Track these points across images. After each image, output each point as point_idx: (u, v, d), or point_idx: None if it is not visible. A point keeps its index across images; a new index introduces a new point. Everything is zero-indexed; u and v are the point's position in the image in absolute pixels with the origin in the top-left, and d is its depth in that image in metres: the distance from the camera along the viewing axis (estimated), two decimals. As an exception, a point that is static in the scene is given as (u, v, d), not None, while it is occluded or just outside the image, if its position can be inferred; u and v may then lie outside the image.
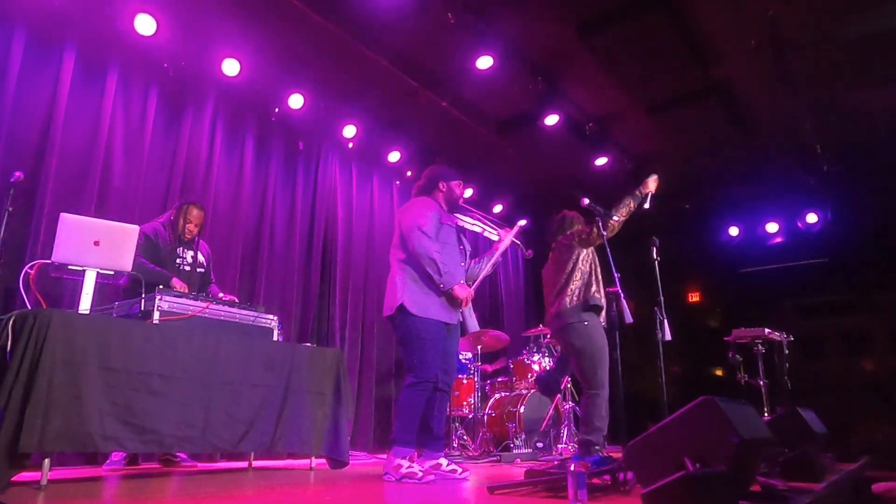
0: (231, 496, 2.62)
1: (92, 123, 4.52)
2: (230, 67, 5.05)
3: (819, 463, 2.86)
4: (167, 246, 3.99)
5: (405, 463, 3.19)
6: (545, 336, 6.10)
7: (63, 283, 3.74)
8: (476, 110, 6.17)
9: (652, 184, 3.91)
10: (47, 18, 4.31)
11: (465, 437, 5.56)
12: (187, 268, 4.07)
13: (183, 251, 4.07)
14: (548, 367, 5.81)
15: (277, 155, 5.88)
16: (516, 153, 6.86)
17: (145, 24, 4.53)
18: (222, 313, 3.46)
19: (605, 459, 3.02)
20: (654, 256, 4.00)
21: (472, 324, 3.61)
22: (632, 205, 3.86)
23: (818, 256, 7.60)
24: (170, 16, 4.65)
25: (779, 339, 5.58)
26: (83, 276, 3.04)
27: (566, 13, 4.87)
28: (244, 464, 4.15)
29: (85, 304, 3.00)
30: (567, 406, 5.72)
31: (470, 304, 3.63)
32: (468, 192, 6.24)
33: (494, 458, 4.82)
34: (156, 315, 3.14)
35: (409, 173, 7.08)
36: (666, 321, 3.79)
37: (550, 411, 5.45)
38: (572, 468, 2.22)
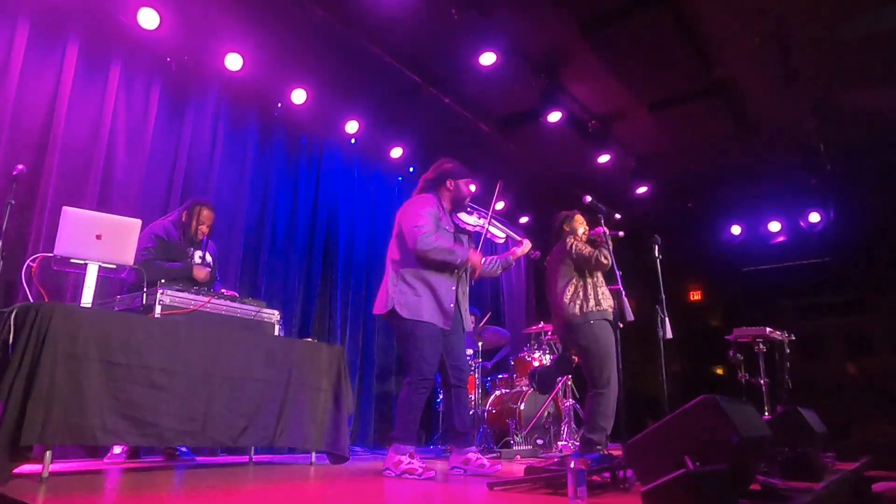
0: (232, 490, 2.63)
1: (94, 117, 4.52)
2: (233, 62, 5.04)
3: (819, 462, 2.86)
4: (179, 246, 4.01)
5: (405, 459, 3.20)
6: (546, 333, 6.10)
7: (65, 277, 3.75)
8: (479, 107, 6.16)
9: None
10: (50, 12, 4.31)
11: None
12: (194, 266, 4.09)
13: (192, 251, 4.10)
14: (541, 365, 5.81)
15: (280, 150, 5.88)
16: (518, 150, 6.86)
17: (148, 18, 4.52)
18: (224, 308, 3.47)
19: (605, 457, 3.02)
20: (656, 255, 4.00)
21: (467, 322, 3.59)
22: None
23: (820, 256, 7.60)
24: (173, 10, 4.65)
25: (780, 338, 5.58)
26: (85, 269, 3.05)
27: (569, 10, 4.86)
28: (244, 458, 4.16)
29: (87, 298, 3.01)
30: (567, 403, 5.72)
31: (466, 304, 3.60)
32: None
33: (494, 455, 4.83)
34: (157, 309, 3.14)
35: (411, 169, 7.08)
36: (667, 319, 3.80)
37: (546, 406, 5.44)
38: (572, 465, 2.22)
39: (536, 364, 5.79)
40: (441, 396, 5.59)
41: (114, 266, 3.15)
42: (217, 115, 5.36)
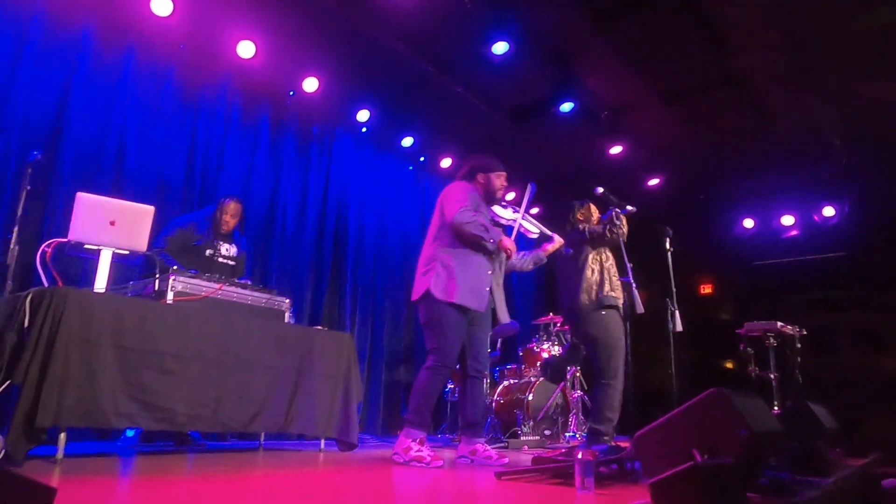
0: (242, 475, 2.66)
1: (108, 104, 4.55)
2: (245, 49, 5.05)
3: (828, 457, 2.85)
4: (202, 238, 4.10)
5: (415, 446, 3.23)
6: (555, 324, 6.10)
7: (79, 262, 3.79)
8: (490, 97, 6.13)
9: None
10: (64, -1, 4.33)
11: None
12: (220, 259, 4.18)
13: (219, 243, 4.19)
14: (552, 355, 5.82)
15: (291, 138, 5.89)
16: (530, 140, 6.82)
17: (161, 6, 4.53)
18: (235, 295, 3.50)
19: (612, 449, 3.03)
20: (667, 247, 3.98)
21: (503, 315, 3.61)
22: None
23: (834, 251, 7.51)
24: (186, -3, 4.65)
25: (791, 332, 5.54)
26: (99, 255, 3.08)
27: (583, 0, 4.81)
28: (255, 444, 4.20)
29: (100, 283, 3.04)
30: (575, 395, 5.73)
31: (502, 295, 3.62)
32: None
33: (502, 445, 4.85)
34: (170, 295, 3.18)
35: (422, 159, 7.07)
36: (677, 312, 3.78)
37: (555, 397, 5.45)
38: (580, 456, 2.23)
39: (545, 355, 5.79)
40: (450, 386, 5.61)
41: (127, 252, 3.18)
42: (229, 103, 5.38)
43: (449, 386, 5.63)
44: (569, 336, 6.06)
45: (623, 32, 5.07)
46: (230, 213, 4.22)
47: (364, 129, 6.38)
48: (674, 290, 3.80)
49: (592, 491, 2.16)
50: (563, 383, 5.53)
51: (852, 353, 7.40)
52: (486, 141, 6.69)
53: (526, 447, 4.86)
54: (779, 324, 5.43)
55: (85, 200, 3.09)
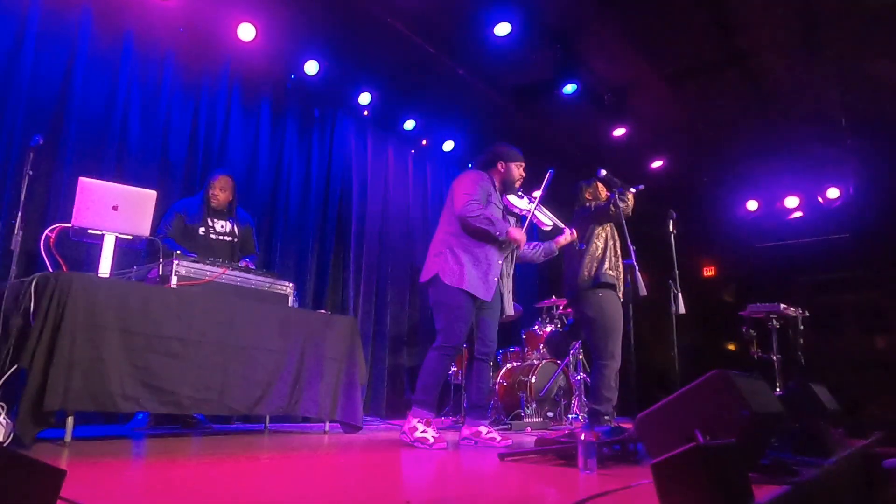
0: (249, 457, 2.69)
1: (109, 88, 4.53)
2: (246, 32, 5.00)
3: (830, 438, 2.87)
4: (194, 217, 4.08)
5: (420, 427, 3.26)
6: (557, 307, 6.12)
7: (83, 247, 3.80)
8: (493, 78, 6.08)
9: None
10: (63, -19, 4.29)
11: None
12: (213, 236, 4.14)
13: (214, 220, 4.15)
14: (557, 328, 5.85)
15: (293, 122, 5.86)
16: (533, 122, 6.78)
17: (161, -12, 4.49)
18: (239, 279, 3.51)
19: (615, 430, 3.04)
20: (671, 229, 3.98)
21: (509, 306, 3.62)
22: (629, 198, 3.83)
23: (838, 232, 7.49)
24: (185, -21, 4.61)
25: (794, 314, 5.55)
26: (102, 240, 3.08)
27: (587, -21, 4.76)
28: (260, 426, 4.24)
29: (104, 268, 3.05)
30: (578, 377, 5.76)
31: (510, 286, 3.64)
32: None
33: (505, 427, 4.89)
34: (173, 280, 3.19)
35: (424, 142, 7.03)
36: (680, 295, 3.79)
37: (556, 377, 5.48)
38: (583, 437, 2.24)
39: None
40: (453, 369, 5.64)
41: (130, 237, 3.19)
42: (230, 87, 5.34)
43: (452, 369, 5.65)
44: (571, 318, 6.08)
45: (626, 12, 5.01)
46: (219, 187, 4.17)
47: (366, 112, 6.34)
48: (676, 272, 3.80)
49: (595, 472, 2.18)
50: (566, 360, 5.55)
51: (854, 334, 7.42)
52: (489, 123, 6.66)
53: (529, 429, 4.90)
54: (781, 306, 5.43)
55: (87, 185, 3.09)
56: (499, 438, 3.40)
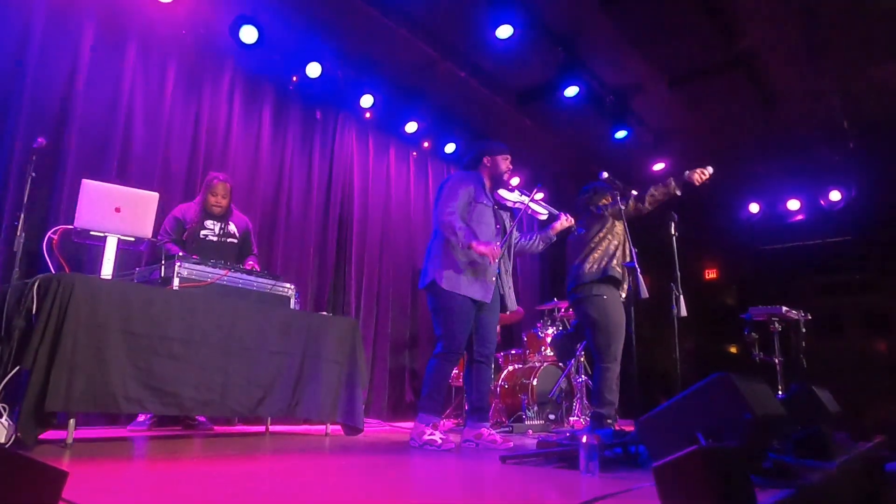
0: (250, 458, 2.69)
1: (112, 91, 4.54)
2: (248, 35, 5.01)
3: (832, 441, 2.86)
4: (193, 222, 4.09)
5: (428, 430, 3.29)
6: (559, 310, 6.11)
7: (85, 249, 3.81)
8: (495, 81, 6.09)
9: (697, 177, 3.87)
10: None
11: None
12: (214, 238, 4.15)
13: (212, 223, 4.15)
14: (562, 330, 5.84)
15: (295, 124, 5.87)
16: (535, 125, 6.78)
17: (164, -10, 4.50)
18: (241, 281, 3.51)
19: (617, 433, 3.04)
20: (672, 232, 3.97)
21: (511, 302, 3.62)
22: (672, 186, 3.85)
23: (840, 235, 7.48)
24: (188, -19, 4.62)
25: (796, 317, 5.53)
26: (105, 241, 3.09)
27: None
28: (261, 428, 4.24)
29: (107, 270, 3.06)
30: (580, 379, 5.75)
31: (510, 282, 3.64)
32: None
33: (507, 429, 4.88)
34: (175, 281, 3.19)
35: (426, 144, 7.04)
36: (682, 297, 3.78)
37: (561, 381, 5.47)
38: (584, 440, 2.24)
39: (549, 340, 5.81)
40: (454, 372, 5.64)
41: (132, 239, 3.19)
42: (232, 89, 5.36)
43: (455, 371, 5.65)
44: (572, 320, 6.07)
45: (628, 15, 5.02)
46: (221, 194, 4.18)
47: (368, 115, 6.35)
48: (678, 274, 3.79)
49: (597, 475, 2.18)
50: (569, 366, 5.54)
51: (857, 337, 7.40)
52: (491, 126, 6.67)
53: (530, 431, 4.89)
54: (783, 308, 5.42)
55: (90, 187, 3.10)
56: (500, 440, 3.40)
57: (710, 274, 8.59)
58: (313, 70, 5.53)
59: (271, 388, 3.41)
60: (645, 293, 3.69)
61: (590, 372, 5.87)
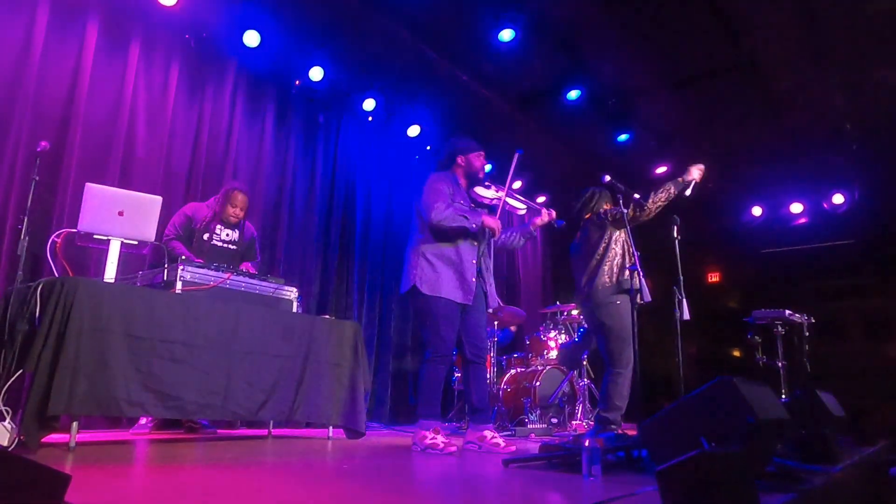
0: (252, 462, 2.69)
1: (115, 95, 4.55)
2: (251, 39, 5.04)
3: (836, 445, 2.85)
4: (202, 223, 4.10)
5: (429, 434, 3.28)
6: (562, 313, 6.11)
7: (88, 252, 3.82)
8: (497, 84, 6.10)
9: (696, 172, 3.87)
10: (70, -12, 4.33)
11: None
12: (218, 243, 4.15)
13: (220, 228, 4.17)
14: (568, 339, 5.83)
15: (297, 128, 5.89)
16: (537, 128, 6.78)
17: (167, -5, 4.52)
18: (243, 284, 3.51)
19: (620, 437, 3.04)
20: (675, 235, 3.96)
21: (493, 300, 3.61)
22: (672, 190, 3.85)
23: (843, 238, 7.45)
24: (191, -14, 4.64)
25: (799, 320, 5.52)
26: (108, 245, 3.10)
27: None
28: (263, 432, 4.24)
29: (110, 273, 3.06)
30: (582, 383, 5.74)
31: (491, 279, 3.64)
32: (487, 167, 6.18)
33: (509, 433, 4.87)
34: (178, 285, 3.19)
35: (428, 147, 7.05)
36: (684, 301, 3.77)
37: (563, 385, 5.46)
38: (587, 444, 2.24)
39: (552, 344, 5.80)
40: (457, 374, 5.63)
41: (135, 242, 3.20)
42: (235, 93, 5.37)
43: (456, 375, 5.65)
44: (576, 325, 6.06)
45: (631, 17, 5.02)
46: (240, 206, 4.19)
47: (370, 118, 6.36)
48: (681, 278, 3.78)
49: (599, 478, 2.17)
50: (572, 372, 5.54)
51: (861, 340, 7.37)
52: (493, 129, 6.67)
53: (533, 435, 4.88)
54: (787, 312, 5.41)
55: (94, 191, 3.11)
56: (502, 444, 3.39)
57: (713, 277, 8.57)
58: (316, 73, 5.55)
59: (273, 392, 3.41)
60: (648, 297, 3.69)
61: (592, 376, 5.87)
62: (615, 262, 3.86)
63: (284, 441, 3.81)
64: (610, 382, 3.76)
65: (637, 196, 3.80)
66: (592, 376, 5.88)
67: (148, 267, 3.73)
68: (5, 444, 2.46)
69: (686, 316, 3.78)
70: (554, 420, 5.38)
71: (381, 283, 6.41)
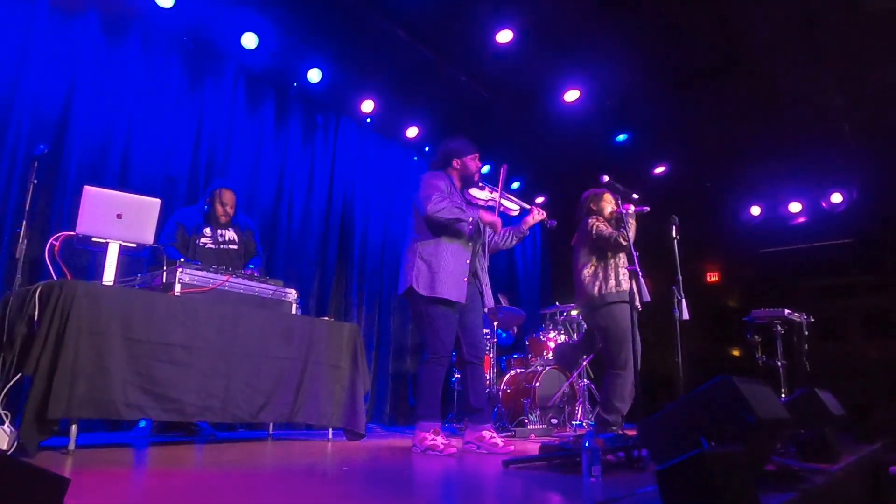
0: (252, 465, 2.68)
1: (114, 97, 4.55)
2: (249, 41, 5.04)
3: (835, 444, 2.85)
4: (196, 228, 4.10)
5: (429, 436, 3.29)
6: (561, 313, 6.11)
7: (87, 256, 3.81)
8: (495, 85, 6.10)
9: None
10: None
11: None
12: (213, 246, 4.15)
13: (210, 231, 4.15)
14: (567, 340, 5.83)
15: (296, 129, 5.88)
16: (535, 129, 6.79)
17: (164, -3, 4.52)
18: (242, 287, 3.51)
19: (619, 437, 3.04)
20: (673, 235, 3.96)
21: (489, 299, 3.62)
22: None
23: (842, 237, 7.45)
24: (189, -12, 4.64)
25: (798, 320, 5.52)
26: (106, 248, 3.10)
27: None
28: (263, 434, 4.24)
29: (108, 276, 3.06)
30: (582, 384, 5.74)
31: (486, 279, 3.65)
32: (485, 168, 6.19)
33: (509, 434, 4.87)
34: (177, 287, 3.19)
35: (426, 149, 7.05)
36: (684, 300, 3.77)
37: (564, 387, 5.47)
38: (587, 444, 2.24)
39: (552, 344, 5.80)
40: (456, 375, 5.63)
41: (134, 245, 3.20)
42: (234, 95, 5.37)
43: (455, 376, 5.65)
44: (576, 325, 6.07)
45: (628, 18, 5.02)
46: (229, 204, 4.19)
47: (368, 120, 6.36)
48: (680, 278, 3.79)
49: (599, 479, 2.17)
50: (573, 374, 5.54)
51: (860, 339, 7.37)
52: (491, 130, 6.68)
53: (533, 436, 4.88)
54: (786, 311, 5.41)
55: (92, 194, 3.11)
56: (501, 443, 3.39)
57: (712, 277, 8.56)
58: (314, 75, 5.55)
59: (273, 394, 3.41)
60: (647, 297, 3.70)
61: (592, 376, 5.87)
62: (598, 276, 3.87)
63: (285, 443, 3.81)
64: (609, 384, 3.77)
65: (636, 196, 3.80)
66: (592, 376, 5.88)
67: (146, 270, 3.73)
68: (4, 447, 2.45)
69: (685, 316, 3.78)
70: (554, 421, 5.38)
71: (380, 285, 6.40)
